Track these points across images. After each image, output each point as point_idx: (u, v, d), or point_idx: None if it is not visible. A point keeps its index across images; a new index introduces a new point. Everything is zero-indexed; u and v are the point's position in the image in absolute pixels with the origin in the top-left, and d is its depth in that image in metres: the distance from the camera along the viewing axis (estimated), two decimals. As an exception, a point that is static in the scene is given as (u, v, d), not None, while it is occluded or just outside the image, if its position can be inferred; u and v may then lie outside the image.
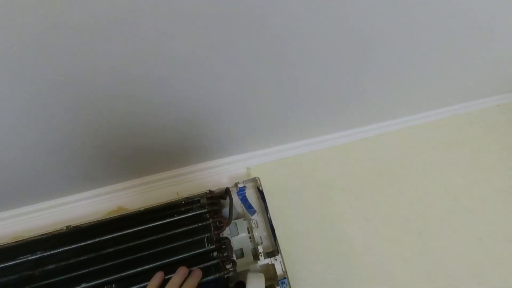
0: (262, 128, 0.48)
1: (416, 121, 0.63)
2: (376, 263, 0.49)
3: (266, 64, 0.31)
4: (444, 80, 0.53)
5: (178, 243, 0.34)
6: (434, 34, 0.36)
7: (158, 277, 0.31)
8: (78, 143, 0.35)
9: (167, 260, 0.33)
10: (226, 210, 0.45)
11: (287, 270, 0.42)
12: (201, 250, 0.33)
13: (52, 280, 0.32)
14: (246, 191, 0.50)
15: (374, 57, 0.37)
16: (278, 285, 0.39)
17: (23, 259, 0.34)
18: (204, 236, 0.34)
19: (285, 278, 0.41)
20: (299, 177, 0.55)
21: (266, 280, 0.42)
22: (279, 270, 0.42)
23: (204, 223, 0.35)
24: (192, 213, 0.36)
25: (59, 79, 0.25)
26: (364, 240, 0.51)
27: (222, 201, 0.44)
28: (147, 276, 0.32)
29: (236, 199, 0.50)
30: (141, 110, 0.33)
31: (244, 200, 0.50)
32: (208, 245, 0.34)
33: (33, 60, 0.22)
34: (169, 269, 0.32)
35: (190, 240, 0.34)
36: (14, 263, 0.34)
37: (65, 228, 0.40)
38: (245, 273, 0.38)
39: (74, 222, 0.42)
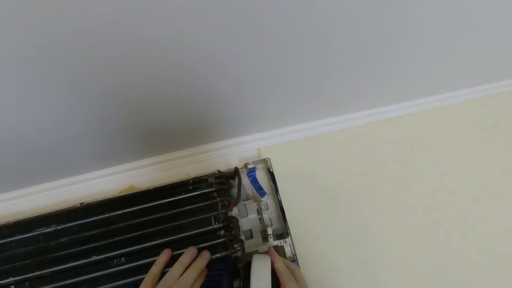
0: (276, 106, 0.46)
1: (442, 101, 0.58)
2: (392, 251, 0.47)
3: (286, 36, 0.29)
4: (476, 53, 0.47)
5: (185, 221, 0.33)
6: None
7: (165, 254, 0.31)
8: (96, 121, 0.35)
9: (174, 237, 0.33)
10: (235, 191, 0.44)
11: (297, 253, 0.41)
12: (208, 228, 0.33)
13: (65, 252, 0.33)
14: (257, 172, 0.49)
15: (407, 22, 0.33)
16: (288, 267, 0.38)
17: (39, 232, 0.35)
18: (211, 214, 0.33)
19: (294, 260, 0.40)
20: (313, 159, 0.52)
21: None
22: (288, 252, 0.41)
23: (212, 201, 0.35)
24: (200, 192, 0.35)
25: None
26: (380, 227, 0.48)
27: (231, 181, 0.43)
28: (155, 251, 0.32)
29: (246, 180, 0.49)
30: (162, 86, 0.32)
31: (254, 181, 0.48)
32: (215, 224, 0.33)
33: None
34: (176, 246, 0.31)
35: (197, 218, 0.33)
36: (31, 235, 0.35)
37: (78, 204, 0.41)
38: (254, 254, 0.37)
39: (88, 200, 0.43)
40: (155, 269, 0.29)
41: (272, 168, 0.46)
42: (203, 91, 0.35)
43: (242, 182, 0.49)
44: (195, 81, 0.33)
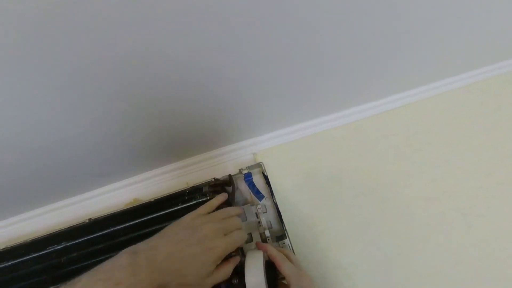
0: (270, 109, 0.46)
1: (438, 89, 0.57)
2: (394, 246, 0.47)
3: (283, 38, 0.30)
4: (470, 35, 0.46)
5: (182, 231, 0.35)
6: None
7: (224, 195, 0.36)
8: (102, 139, 0.38)
9: (172, 247, 0.34)
10: (236, 197, 0.46)
11: (299, 252, 0.42)
12: (203, 236, 0.34)
13: (75, 266, 0.36)
14: (254, 176, 0.50)
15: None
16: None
17: (51, 249, 0.38)
18: (206, 223, 0.35)
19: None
20: (310, 159, 0.53)
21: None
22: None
23: (206, 210, 0.36)
24: (195, 202, 0.37)
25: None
26: (381, 222, 0.48)
27: (227, 188, 0.44)
28: (155, 262, 0.34)
29: (244, 185, 0.50)
30: (164, 95, 0.33)
31: (252, 185, 0.50)
32: (210, 231, 0.34)
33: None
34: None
35: (193, 227, 0.35)
36: (44, 253, 0.38)
37: (87, 220, 0.44)
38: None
39: (96, 215, 0.46)
40: (214, 203, 0.34)
41: (266, 172, 0.47)
42: (199, 100, 0.37)
43: (240, 187, 0.50)
44: (190, 91, 0.34)
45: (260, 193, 0.49)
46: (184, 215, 0.32)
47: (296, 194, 0.51)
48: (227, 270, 0.30)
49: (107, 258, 0.35)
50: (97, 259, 0.35)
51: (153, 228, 0.36)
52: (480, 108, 0.56)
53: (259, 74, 0.36)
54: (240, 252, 0.37)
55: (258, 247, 0.36)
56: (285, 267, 0.32)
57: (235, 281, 0.31)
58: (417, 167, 0.51)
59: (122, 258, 0.25)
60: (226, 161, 0.53)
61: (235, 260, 0.32)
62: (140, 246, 0.27)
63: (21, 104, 0.28)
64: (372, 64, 0.44)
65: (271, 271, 0.33)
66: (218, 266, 0.29)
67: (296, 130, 0.54)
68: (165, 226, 0.35)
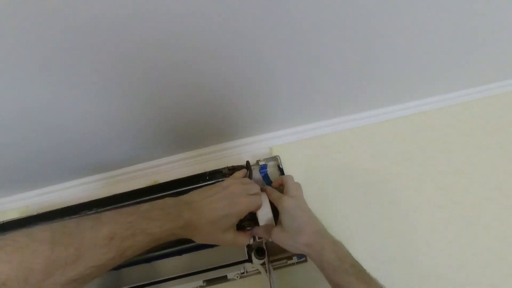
0: (288, 105, 0.49)
1: (455, 99, 0.58)
2: (397, 250, 0.47)
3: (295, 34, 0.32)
4: (489, 50, 0.48)
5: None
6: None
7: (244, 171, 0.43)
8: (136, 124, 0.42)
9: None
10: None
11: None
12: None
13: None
14: (268, 169, 0.53)
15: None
16: (295, 255, 0.41)
17: (84, 214, 0.42)
18: (224, 200, 0.38)
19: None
20: (322, 157, 0.55)
21: (284, 251, 0.44)
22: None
23: (225, 189, 0.39)
24: (215, 180, 0.40)
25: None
26: (385, 225, 0.49)
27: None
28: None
29: (258, 176, 0.53)
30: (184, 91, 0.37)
31: (266, 177, 0.52)
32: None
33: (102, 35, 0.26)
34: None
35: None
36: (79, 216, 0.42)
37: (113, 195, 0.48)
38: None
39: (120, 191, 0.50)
40: (238, 174, 0.41)
41: (282, 165, 0.50)
42: (220, 93, 0.40)
43: (254, 177, 0.53)
44: (212, 84, 0.38)
45: (273, 185, 0.51)
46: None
47: (306, 189, 0.53)
48: (246, 238, 0.36)
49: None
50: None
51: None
52: (496, 122, 0.56)
53: (280, 74, 0.39)
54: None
55: (264, 194, 0.41)
56: (278, 205, 0.37)
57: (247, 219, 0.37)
58: (427, 173, 0.53)
59: (169, 200, 0.31)
60: (242, 153, 0.56)
61: (252, 233, 0.38)
62: (180, 197, 0.33)
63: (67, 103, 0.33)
64: (391, 69, 0.46)
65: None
66: (239, 232, 0.35)
67: (311, 129, 0.56)
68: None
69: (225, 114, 0.47)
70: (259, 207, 0.37)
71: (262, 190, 0.41)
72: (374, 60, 0.42)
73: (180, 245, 0.39)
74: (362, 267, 0.33)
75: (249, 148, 0.56)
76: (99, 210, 0.41)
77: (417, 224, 0.49)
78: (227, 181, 0.36)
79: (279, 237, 0.36)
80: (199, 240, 0.31)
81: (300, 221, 0.35)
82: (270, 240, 0.37)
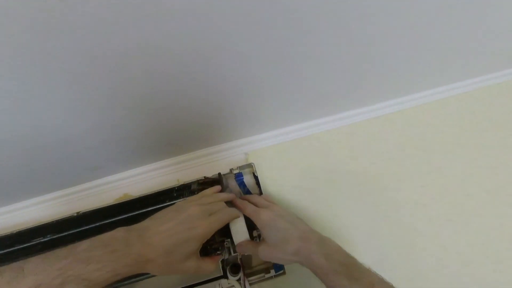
0: (264, 109, 0.46)
1: (431, 96, 0.57)
2: (380, 250, 0.47)
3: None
4: (467, 45, 0.46)
5: (168, 228, 0.35)
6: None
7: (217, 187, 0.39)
8: (98, 132, 0.38)
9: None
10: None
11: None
12: (188, 234, 0.34)
13: (59, 260, 0.35)
14: (245, 176, 0.50)
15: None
16: (272, 268, 0.40)
17: (37, 242, 0.38)
18: (192, 220, 0.35)
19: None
20: (301, 161, 0.53)
21: (260, 264, 0.42)
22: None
23: (193, 208, 0.36)
24: (182, 198, 0.37)
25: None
26: (369, 226, 0.48)
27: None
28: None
29: (234, 185, 0.50)
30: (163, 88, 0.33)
31: (243, 185, 0.50)
32: (195, 229, 0.34)
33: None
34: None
35: (179, 224, 0.35)
36: (30, 245, 0.38)
37: (75, 214, 0.44)
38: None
39: (85, 209, 0.46)
40: (207, 192, 0.37)
41: (256, 173, 0.47)
42: (195, 95, 0.37)
43: (230, 186, 0.50)
44: (184, 88, 0.34)
45: (251, 193, 0.49)
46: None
47: (287, 195, 0.51)
48: (212, 265, 0.32)
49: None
50: (82, 253, 0.35)
51: (140, 224, 0.36)
52: (473, 118, 0.56)
53: (255, 74, 0.36)
54: (228, 251, 0.37)
55: (235, 205, 0.39)
56: (256, 220, 0.35)
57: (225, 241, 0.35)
58: (408, 172, 0.52)
59: (118, 232, 0.28)
60: (219, 160, 0.53)
61: (219, 258, 0.34)
62: (133, 225, 0.30)
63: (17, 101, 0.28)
64: (368, 69, 0.44)
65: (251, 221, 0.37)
66: (204, 258, 0.32)
67: (290, 132, 0.54)
68: (152, 222, 0.35)
69: (197, 120, 0.44)
70: (223, 224, 0.34)
71: (235, 205, 0.38)
72: (354, 60, 0.40)
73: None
74: (352, 260, 0.31)
75: (225, 155, 0.53)
76: (53, 237, 0.37)
77: (399, 223, 0.48)
78: (185, 202, 0.33)
79: (266, 254, 0.34)
80: (156, 272, 0.28)
81: (283, 231, 0.33)
82: (261, 258, 0.35)
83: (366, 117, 0.56)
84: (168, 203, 0.37)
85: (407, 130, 0.55)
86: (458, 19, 0.38)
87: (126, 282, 0.35)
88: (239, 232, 0.36)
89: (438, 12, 0.35)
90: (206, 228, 0.30)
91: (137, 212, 0.37)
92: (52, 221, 0.40)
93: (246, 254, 0.37)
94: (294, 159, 0.53)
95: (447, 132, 0.55)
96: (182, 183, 0.45)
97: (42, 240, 0.38)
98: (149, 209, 0.37)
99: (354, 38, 0.35)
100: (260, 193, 0.46)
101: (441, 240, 0.47)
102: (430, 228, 0.48)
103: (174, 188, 0.39)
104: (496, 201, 0.49)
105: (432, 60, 0.47)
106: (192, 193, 0.37)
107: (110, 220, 0.37)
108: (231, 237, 0.36)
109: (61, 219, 0.41)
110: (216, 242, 0.34)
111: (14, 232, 0.40)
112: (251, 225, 0.37)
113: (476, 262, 0.46)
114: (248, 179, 0.50)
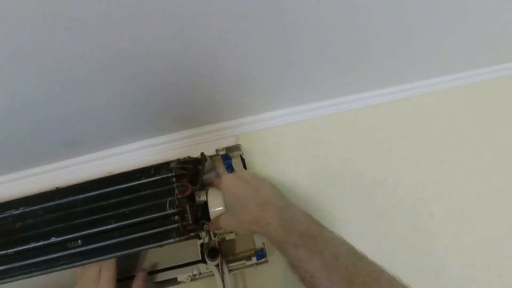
0: (257, 91, 0.44)
1: (440, 85, 0.52)
2: (376, 246, 0.44)
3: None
4: (481, 32, 0.42)
5: (141, 206, 0.33)
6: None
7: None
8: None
9: (129, 221, 0.32)
10: (207, 176, 0.43)
11: (266, 243, 0.39)
12: (162, 213, 0.32)
13: (28, 233, 0.34)
14: (234, 160, 0.48)
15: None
16: (254, 255, 0.37)
17: (8, 214, 0.36)
18: (166, 199, 0.33)
19: (262, 249, 0.38)
20: (295, 147, 0.50)
21: (244, 251, 0.40)
22: (258, 242, 0.39)
23: (169, 186, 0.34)
24: (159, 177, 0.34)
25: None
26: (364, 220, 0.45)
27: (200, 167, 0.41)
28: (109, 235, 0.32)
29: (222, 168, 0.47)
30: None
31: (230, 168, 0.47)
32: (169, 209, 0.32)
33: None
34: (130, 231, 0.31)
35: (153, 203, 0.33)
36: (1, 217, 0.36)
37: (55, 188, 0.42)
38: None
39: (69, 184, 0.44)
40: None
41: (244, 155, 0.44)
42: (183, 72, 0.34)
43: (218, 169, 0.48)
44: (173, 63, 0.32)
45: (238, 177, 0.46)
46: (148, 189, 0.31)
47: (276, 182, 0.48)
48: None
49: (64, 228, 0.33)
50: (50, 228, 0.34)
51: (111, 200, 0.34)
52: (482, 110, 0.51)
53: (250, 51, 0.33)
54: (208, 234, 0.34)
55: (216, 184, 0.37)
56: (220, 187, 0.33)
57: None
58: (409, 165, 0.48)
59: None
60: (207, 141, 0.51)
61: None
62: None
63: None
64: (370, 52, 0.40)
65: None
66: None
67: (282, 115, 0.51)
68: (125, 199, 0.33)
69: (187, 96, 0.41)
70: None
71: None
72: (354, 43, 0.36)
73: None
74: (316, 229, 0.27)
75: (214, 136, 0.50)
76: (25, 209, 0.35)
77: (397, 219, 0.45)
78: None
79: (226, 223, 0.31)
80: None
81: (242, 197, 0.30)
82: (225, 231, 0.33)
83: (365, 103, 0.52)
84: (145, 181, 0.35)
85: (410, 119, 0.51)
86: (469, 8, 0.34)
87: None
88: (215, 203, 0.33)
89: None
90: None
91: (111, 189, 0.35)
92: (29, 195, 0.39)
93: (219, 230, 0.34)
94: (286, 144, 0.50)
95: (454, 124, 0.50)
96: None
97: (14, 213, 0.36)
98: (125, 185, 0.35)
99: (356, 23, 0.32)
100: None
101: (443, 240, 0.44)
102: (431, 225, 0.44)
103: (152, 166, 0.37)
104: (503, 201, 0.46)
105: (442, 45, 0.43)
106: (170, 171, 0.35)
107: (82, 196, 0.35)
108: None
109: (35, 194, 0.39)
110: (193, 224, 0.31)
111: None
112: None
113: (479, 264, 0.42)
114: (237, 163, 0.48)
